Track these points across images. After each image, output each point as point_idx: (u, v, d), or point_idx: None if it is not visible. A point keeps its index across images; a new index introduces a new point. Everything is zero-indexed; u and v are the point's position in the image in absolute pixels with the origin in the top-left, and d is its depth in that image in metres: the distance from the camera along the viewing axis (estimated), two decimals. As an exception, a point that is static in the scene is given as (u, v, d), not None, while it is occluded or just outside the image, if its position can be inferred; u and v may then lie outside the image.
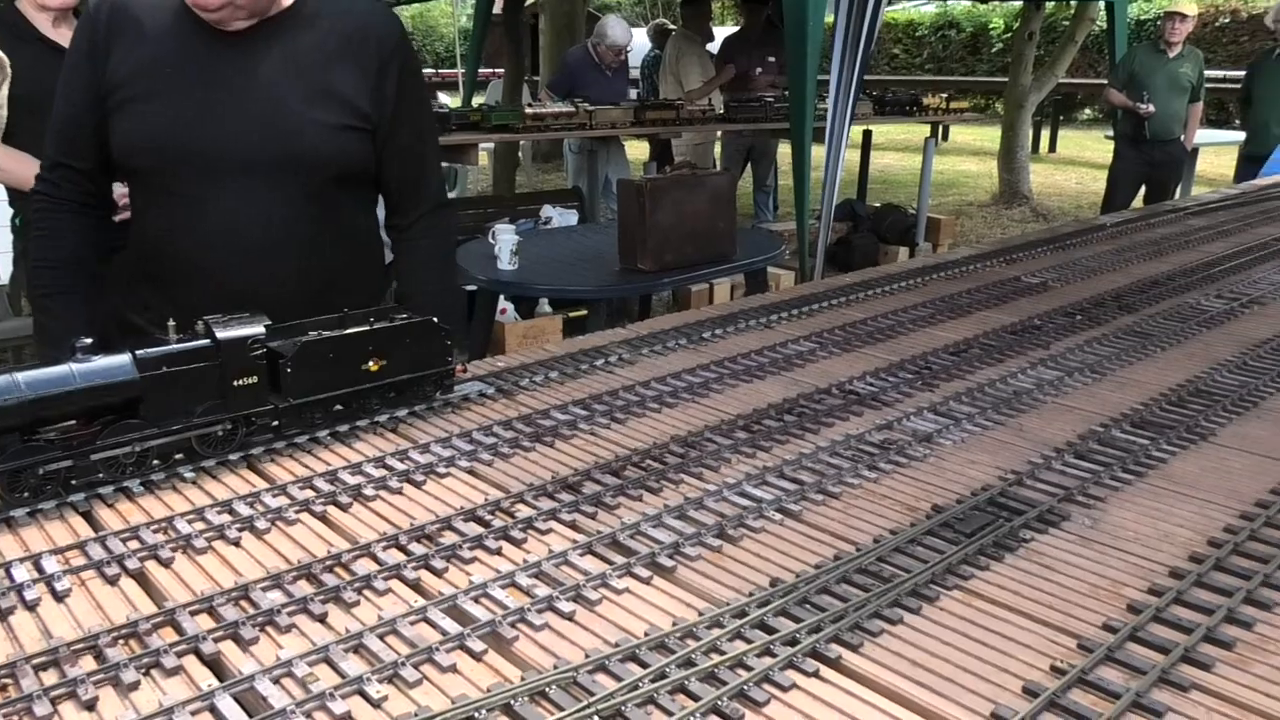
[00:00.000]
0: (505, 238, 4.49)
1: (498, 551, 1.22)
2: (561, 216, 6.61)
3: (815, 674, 0.98)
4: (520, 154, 11.28)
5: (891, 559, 1.19)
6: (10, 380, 1.28)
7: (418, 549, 1.21)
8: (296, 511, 1.31)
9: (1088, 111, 19.83)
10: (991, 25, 21.54)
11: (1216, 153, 11.31)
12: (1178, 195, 7.59)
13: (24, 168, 2.98)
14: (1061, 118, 17.40)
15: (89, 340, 1.36)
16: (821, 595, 1.11)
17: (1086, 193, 11.97)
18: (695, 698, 0.94)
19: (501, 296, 5.48)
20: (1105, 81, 8.26)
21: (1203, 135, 8.72)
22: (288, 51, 1.93)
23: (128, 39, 1.90)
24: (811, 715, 0.93)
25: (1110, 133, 8.52)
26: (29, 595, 1.11)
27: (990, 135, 15.05)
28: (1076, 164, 14.80)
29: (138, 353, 1.37)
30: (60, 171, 1.99)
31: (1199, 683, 0.97)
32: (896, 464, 1.47)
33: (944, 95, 9.01)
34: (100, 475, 1.36)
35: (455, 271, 2.33)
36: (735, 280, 6.29)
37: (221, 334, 1.43)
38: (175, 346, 1.41)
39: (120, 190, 2.15)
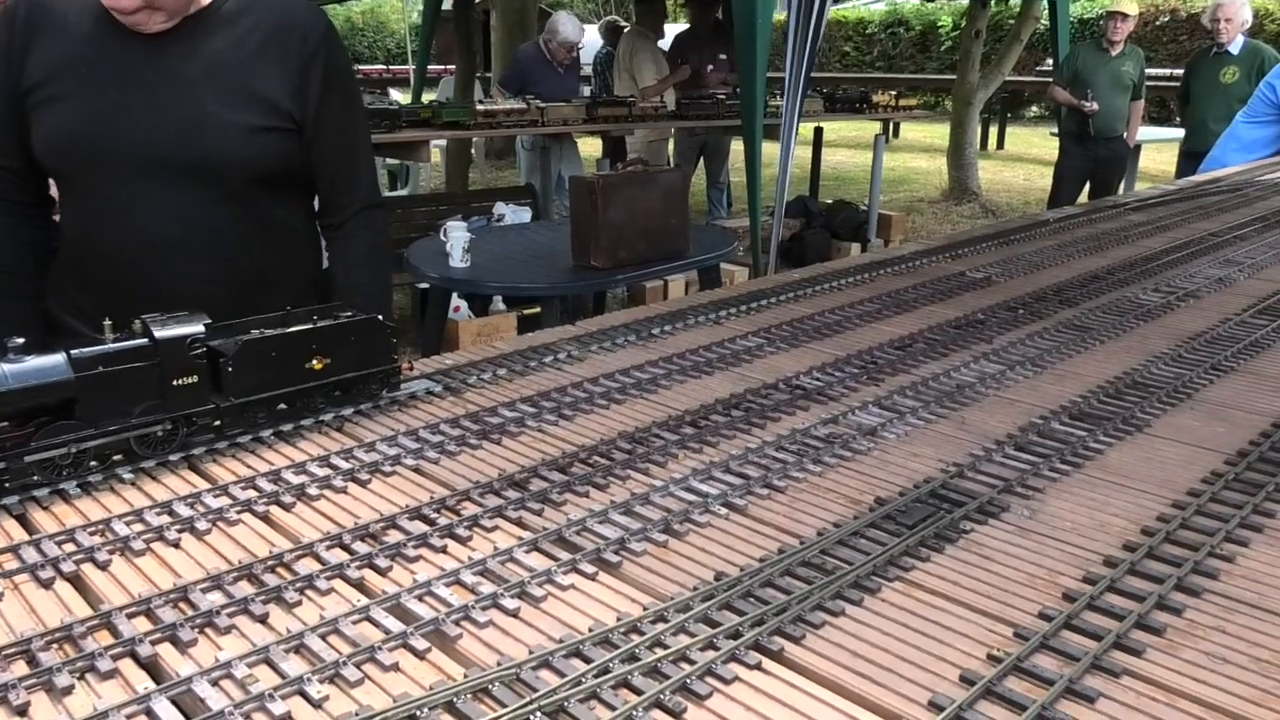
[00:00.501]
0: (457, 235, 4.46)
1: (443, 550, 1.21)
2: (514, 214, 6.59)
3: (757, 666, 0.99)
4: (473, 151, 11.21)
5: (834, 551, 1.20)
6: (-62, 381, 1.25)
7: (361, 548, 1.20)
8: (238, 512, 1.30)
9: (1034, 109, 20.18)
10: (940, 23, 21.84)
11: (1158, 149, 11.57)
12: (1121, 191, 7.75)
13: None
14: (1009, 115, 17.69)
15: (21, 340, 1.33)
16: (765, 588, 1.12)
17: (1034, 189, 12.19)
18: (638, 692, 0.94)
19: (455, 294, 5.45)
20: (1050, 79, 8.40)
21: (1145, 132, 8.92)
22: (206, 51, 1.91)
23: (45, 38, 1.86)
24: (753, 707, 0.94)
25: (1055, 130, 8.67)
26: (-42, 601, 1.08)
27: (940, 132, 15.25)
28: (1024, 160, 15.06)
29: (73, 353, 1.35)
30: None
31: (1130, 668, 1.00)
32: (841, 458, 1.48)
33: (894, 93, 9.13)
34: (35, 477, 1.33)
35: (389, 271, 2.32)
36: (689, 276, 6.31)
37: (159, 333, 1.41)
38: (111, 346, 1.38)
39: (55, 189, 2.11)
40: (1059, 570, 1.18)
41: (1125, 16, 7.40)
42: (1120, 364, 1.90)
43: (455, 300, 5.67)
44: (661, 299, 6.23)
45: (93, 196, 1.90)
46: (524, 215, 6.72)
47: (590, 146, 9.76)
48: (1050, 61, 11.23)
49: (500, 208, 6.68)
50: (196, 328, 1.44)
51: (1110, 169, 7.76)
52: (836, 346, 2.00)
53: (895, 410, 1.65)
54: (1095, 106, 7.37)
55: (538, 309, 5.67)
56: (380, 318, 1.63)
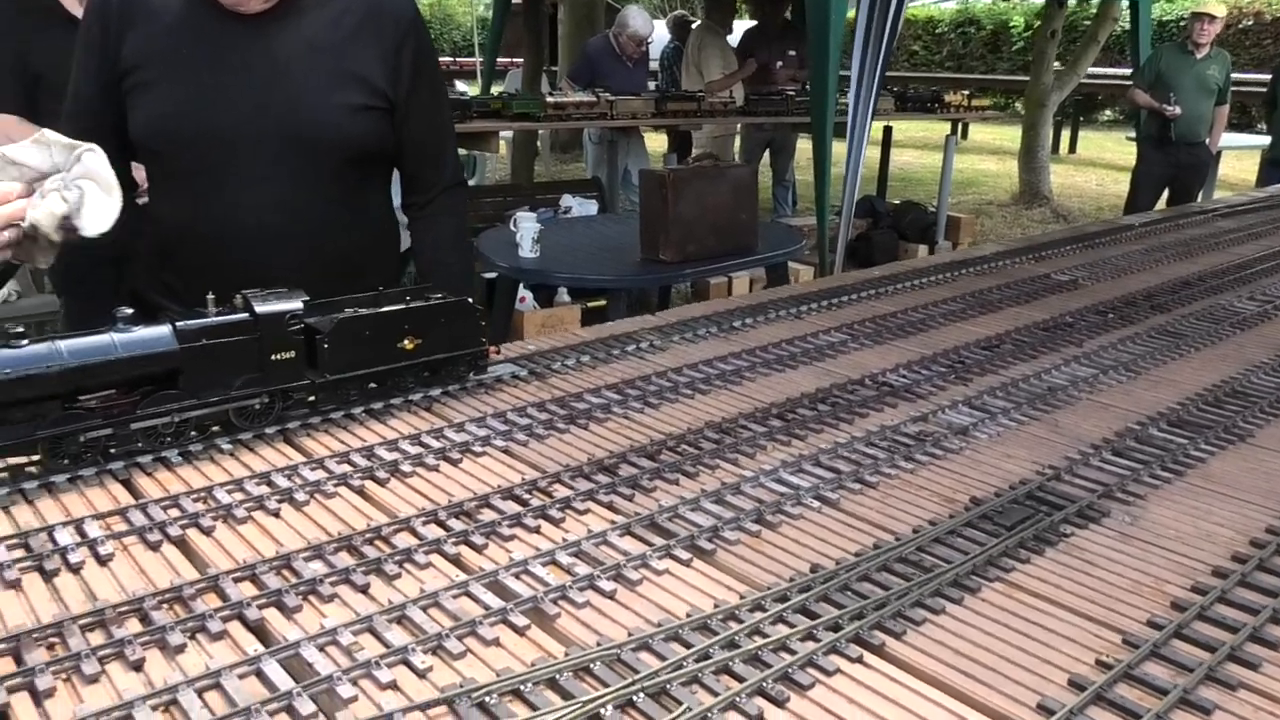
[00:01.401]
0: (527, 225, 4.49)
1: (536, 530, 1.22)
2: (581, 206, 6.61)
3: (859, 660, 0.98)
4: (539, 143, 11.28)
5: (931, 549, 1.18)
6: (52, 348, 1.29)
7: (456, 525, 1.22)
8: (334, 485, 1.32)
9: (1108, 112, 19.73)
10: (1012, 23, 21.44)
11: (1238, 156, 11.24)
12: (1200, 199, 7.55)
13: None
14: (1081, 118, 17.31)
15: (129, 310, 1.37)
16: (862, 583, 1.11)
17: (1107, 194, 11.91)
18: (740, 679, 0.94)
19: (521, 285, 5.48)
20: (1129, 82, 8.20)
21: (1226, 139, 8.67)
22: (303, 32, 1.93)
23: (141, 21, 1.89)
24: (856, 700, 0.93)
25: (1133, 134, 8.47)
26: (72, 558, 1.12)
27: (1009, 135, 15.00)
28: (1097, 165, 14.73)
29: (178, 324, 1.38)
30: None
31: (1247, 681, 0.97)
32: (932, 456, 1.46)
33: (966, 93, 8.98)
34: (139, 444, 1.37)
35: (471, 251, 2.34)
36: (754, 274, 6.28)
37: (260, 308, 1.43)
38: (215, 319, 1.41)
39: (141, 172, 2.15)
40: (1165, 578, 1.15)
41: (1213, 18, 7.19)
42: (1218, 372, 1.85)
43: (521, 291, 5.70)
44: (726, 296, 6.21)
45: (190, 179, 1.93)
46: (590, 208, 6.73)
47: (656, 142, 9.76)
48: (1129, 65, 10.96)
49: (567, 200, 6.70)
50: (296, 304, 1.46)
51: (1191, 175, 7.54)
52: (921, 345, 1.97)
53: (986, 410, 1.63)
54: (1178, 110, 7.17)
55: (602, 302, 5.68)
56: (470, 300, 1.64)
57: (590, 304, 5.80)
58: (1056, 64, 11.09)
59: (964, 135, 16.27)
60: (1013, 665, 0.98)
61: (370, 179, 2.08)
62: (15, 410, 1.27)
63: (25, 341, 1.27)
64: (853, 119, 6.05)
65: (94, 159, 1.50)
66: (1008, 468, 1.43)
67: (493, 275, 4.85)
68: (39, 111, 3.07)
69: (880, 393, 1.69)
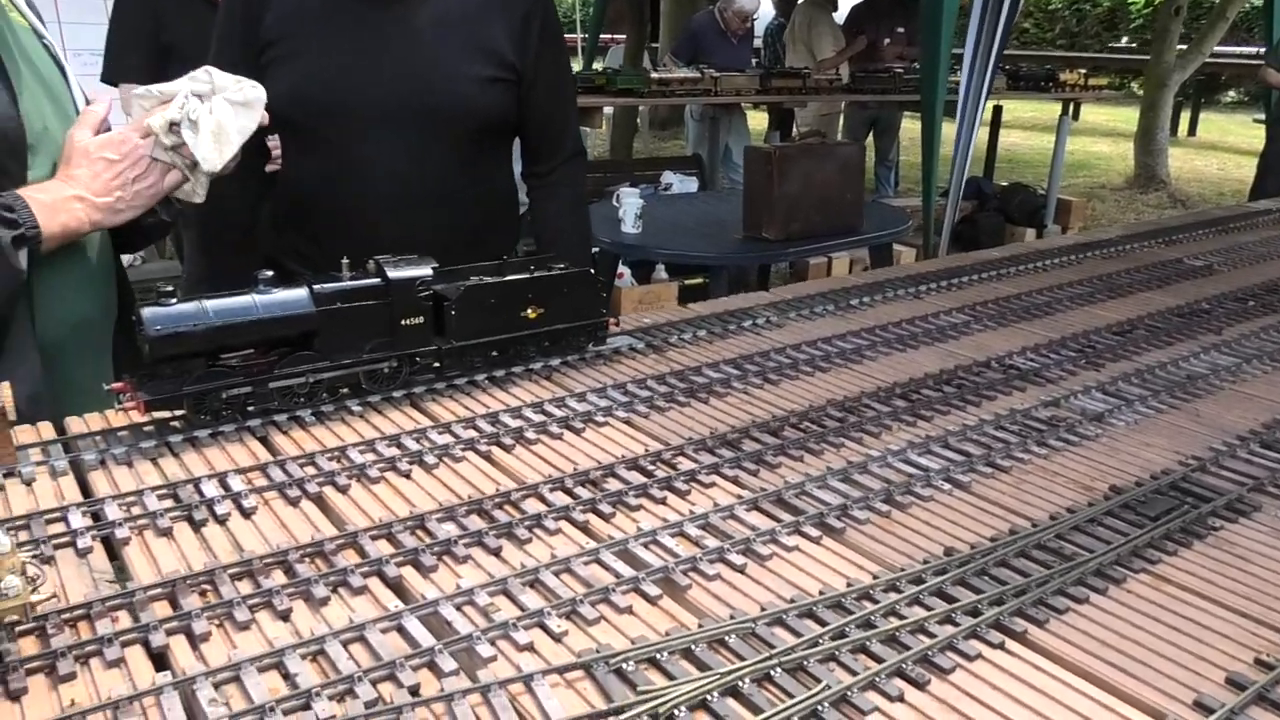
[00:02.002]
0: (630, 201, 4.49)
1: (662, 501, 1.22)
2: (681, 183, 6.58)
3: (1001, 646, 0.95)
4: (638, 120, 11.26)
5: (1071, 537, 1.14)
6: (199, 307, 1.33)
7: (583, 493, 1.22)
8: (462, 449, 1.34)
9: (1232, 93, 18.78)
10: (1130, 0, 20.52)
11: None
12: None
13: None
14: (1203, 99, 16.50)
15: (270, 273, 1.41)
16: (1000, 568, 1.08)
17: (1229, 179, 11.36)
18: (878, 659, 0.92)
19: (620, 260, 5.49)
20: (1257, 61, 7.77)
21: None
22: (435, 6, 1.95)
23: None
24: (999, 686, 0.90)
25: (1260, 116, 8.04)
26: (219, 510, 1.16)
27: (1124, 116, 14.42)
28: (1218, 149, 14.04)
29: (315, 287, 1.41)
30: None
31: None
32: (1067, 442, 1.41)
33: (1082, 71, 8.64)
34: (275, 404, 1.41)
35: (588, 222, 2.34)
36: (855, 255, 6.17)
37: (393, 274, 1.46)
38: (349, 283, 1.44)
39: (274, 141, 2.20)
40: (1325, 577, 1.09)
41: (1355, -7, 6.76)
42: (1372, 365, 1.75)
43: (620, 266, 5.71)
44: (825, 276, 6.12)
45: (325, 149, 1.97)
46: (691, 185, 6.71)
47: (757, 120, 9.65)
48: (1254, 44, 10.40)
49: (668, 176, 6.68)
50: (426, 271, 1.49)
51: (1325, 161, 7.12)
52: (1048, 328, 1.91)
53: (1121, 397, 1.56)
54: (1314, 91, 6.78)
55: (699, 280, 5.65)
56: (593, 271, 1.65)
57: (688, 281, 5.78)
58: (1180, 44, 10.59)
59: (1076, 116, 15.70)
60: (1165, 660, 0.94)
61: (496, 149, 2.10)
62: (165, 366, 1.32)
63: (174, 301, 1.31)
64: (964, 98, 5.88)
65: (223, 107, 1.53)
66: (1148, 457, 1.37)
67: (593, 250, 4.87)
68: (167, 80, 3.18)
69: (1007, 376, 1.64)
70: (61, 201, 1.45)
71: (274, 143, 2.20)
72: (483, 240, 1.99)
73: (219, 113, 1.53)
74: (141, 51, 3.13)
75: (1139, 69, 13.13)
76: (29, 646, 0.91)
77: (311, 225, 2.07)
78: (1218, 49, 11.68)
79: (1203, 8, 14.32)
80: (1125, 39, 19.59)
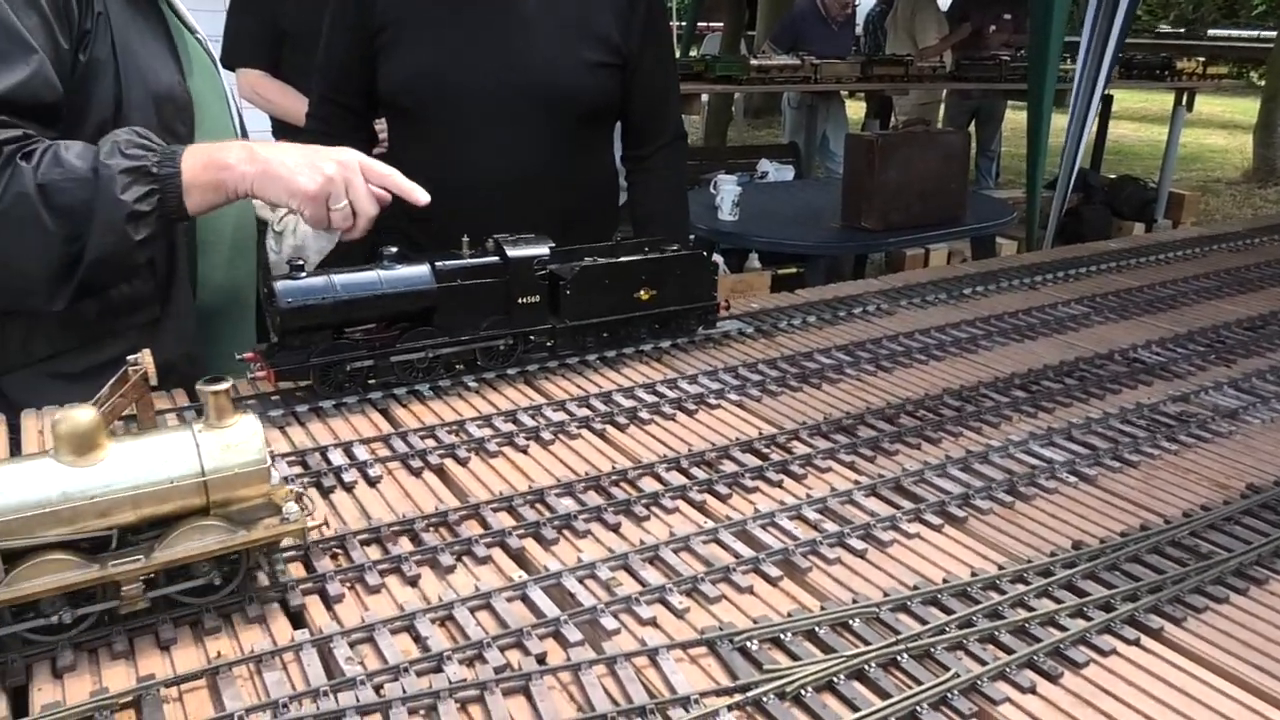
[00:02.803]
0: (728, 188, 4.47)
1: (779, 484, 1.21)
2: (778, 171, 6.51)
3: (1136, 642, 0.93)
4: (733, 108, 11.19)
5: (1207, 535, 1.10)
6: (327, 281, 1.37)
7: (698, 473, 1.23)
8: (577, 427, 1.35)
9: (1361, 85, 17.76)
10: (1254, -15, 19.54)
11: None
12: None
13: (290, 102, 3.16)
14: (1329, 91, 15.64)
15: (394, 249, 1.44)
16: (1132, 564, 1.04)
17: (1356, 174, 10.75)
18: (1007, 650, 0.90)
19: (716, 247, 5.47)
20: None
21: None
22: None
23: None
24: (1134, 682, 0.88)
25: (1397, 108, 7.60)
26: (346, 478, 1.19)
27: (1242, 107, 13.79)
28: (1344, 143, 13.29)
29: (436, 264, 1.44)
30: (330, 108, 2.09)
31: None
32: (1198, 438, 1.36)
33: (1200, 59, 8.28)
34: (394, 378, 1.44)
35: (688, 206, 2.33)
36: (954, 247, 6.03)
37: (511, 252, 1.48)
38: (469, 261, 1.47)
39: (380, 124, 2.24)
40: None
41: None
42: None
43: (713, 255, 5.70)
44: (922, 267, 5.99)
45: (435, 132, 2.01)
46: (787, 173, 6.63)
47: (855, 108, 9.49)
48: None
49: (764, 164, 6.62)
50: (543, 250, 1.50)
51: None
52: (1173, 321, 1.84)
53: (1256, 394, 1.50)
54: None
55: (793, 269, 5.60)
56: (705, 254, 1.64)
57: (781, 271, 5.73)
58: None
59: (1190, 106, 15.07)
60: (1313, 664, 0.90)
61: (599, 134, 2.11)
62: (294, 337, 1.37)
63: (305, 274, 1.36)
64: (1078, 87, 5.69)
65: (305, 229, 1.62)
66: (1287, 457, 1.31)
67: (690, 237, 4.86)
68: (282, 66, 3.27)
69: (1132, 369, 1.59)
70: (221, 154, 1.36)
71: (380, 126, 2.24)
72: (584, 224, 2.00)
73: (302, 232, 1.61)
74: (259, 38, 3.22)
75: (1260, 57, 12.51)
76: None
77: (421, 211, 2.10)
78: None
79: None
80: (1240, 30, 18.65)
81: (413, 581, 1.00)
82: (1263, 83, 10.77)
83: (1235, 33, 16.54)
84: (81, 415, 0.87)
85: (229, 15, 3.33)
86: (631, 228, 2.26)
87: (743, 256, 5.91)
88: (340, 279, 1.38)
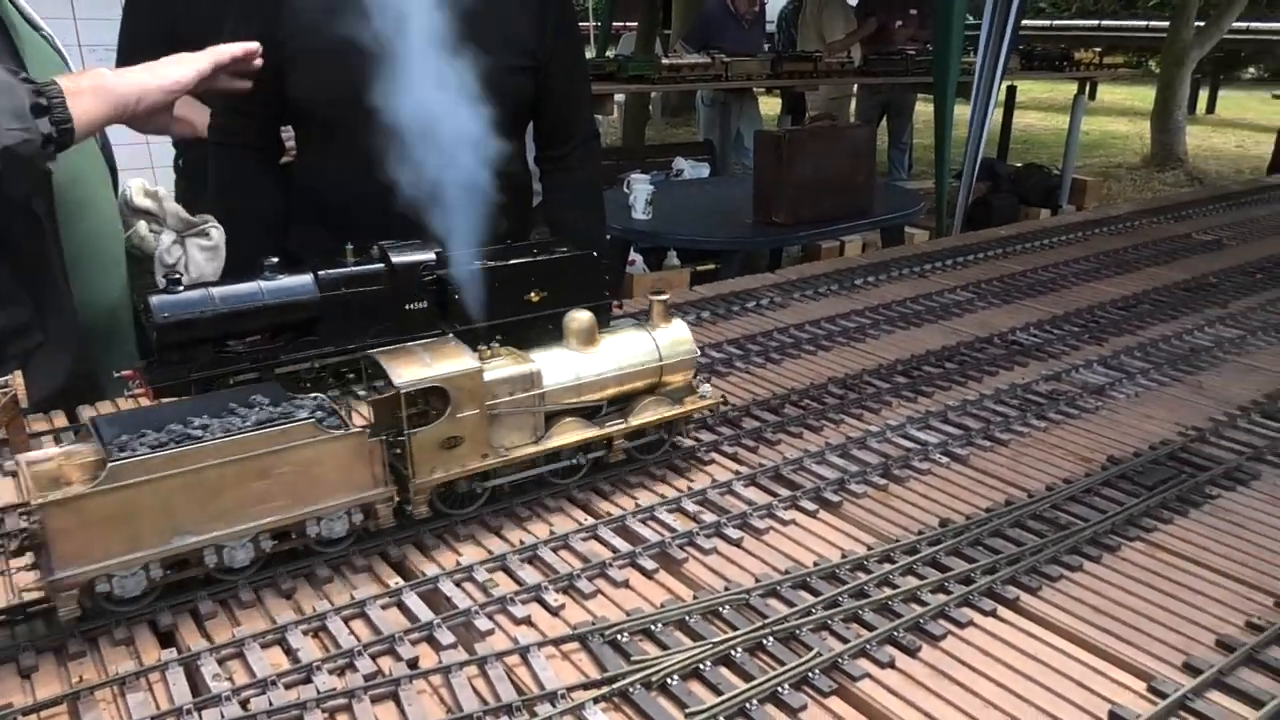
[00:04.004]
0: (641, 188, 4.50)
1: (661, 479, 1.23)
2: (693, 169, 6.57)
3: (993, 613, 0.96)
4: (650, 107, 11.24)
5: (1066, 507, 1.15)
6: (205, 294, 1.35)
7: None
8: (465, 431, 1.35)
9: (1252, 70, 18.54)
10: (1149, -23, 20.25)
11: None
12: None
13: (191, 112, 3.10)
14: (1222, 76, 16.29)
15: (275, 260, 1.42)
16: (995, 538, 1.08)
17: (1247, 156, 11.22)
18: (870, 627, 0.93)
19: (632, 247, 5.49)
20: (1277, 37, 7.68)
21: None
22: None
23: None
24: (990, 652, 0.91)
25: (1280, 92, 7.94)
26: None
27: (1141, 95, 14.26)
28: (1237, 126, 13.87)
29: (319, 273, 1.43)
30: (236, 119, 2.03)
31: None
32: (1066, 415, 1.42)
33: (1097, 50, 8.56)
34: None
35: (603, 205, 2.34)
36: (868, 238, 6.15)
37: (396, 259, 1.48)
38: (353, 269, 1.46)
39: (287, 132, 2.20)
40: (1321, 543, 1.09)
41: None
42: (1380, 335, 1.74)
43: (631, 253, 5.72)
44: (837, 258, 6.10)
45: (348, 143, 1.97)
46: (702, 170, 6.69)
47: (770, 104, 9.62)
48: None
49: (679, 162, 6.67)
50: (429, 255, 1.50)
51: (1346, 135, 7.05)
52: (1053, 304, 1.91)
53: (1123, 370, 1.57)
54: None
55: (712, 265, 5.65)
56: (596, 254, 1.66)
57: (700, 267, 5.78)
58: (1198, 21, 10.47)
59: (1092, 95, 15.54)
60: (1156, 624, 0.95)
61: (513, 137, 2.11)
62: (172, 352, 1.34)
63: (182, 287, 1.33)
64: (979, 79, 5.84)
65: (195, 253, 1.59)
66: (1147, 428, 1.37)
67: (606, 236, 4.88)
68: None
69: (1010, 351, 1.65)
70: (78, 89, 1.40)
71: (287, 134, 2.20)
72: (500, 227, 1.99)
73: (193, 257, 1.59)
74: (153, 48, 3.15)
75: (1157, 46, 12.97)
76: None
77: (334, 218, 2.06)
78: (1237, 24, 11.54)
79: (1222, -18, 14.12)
80: (1140, 20, 19.30)
81: (288, 595, 1.00)
82: (1159, 71, 11.16)
83: (1133, 23, 17.12)
84: (583, 314, 1.26)
85: (122, 25, 3.25)
86: (548, 229, 2.26)
87: (662, 254, 5.95)
88: (219, 291, 1.36)
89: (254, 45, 1.53)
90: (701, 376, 1.36)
